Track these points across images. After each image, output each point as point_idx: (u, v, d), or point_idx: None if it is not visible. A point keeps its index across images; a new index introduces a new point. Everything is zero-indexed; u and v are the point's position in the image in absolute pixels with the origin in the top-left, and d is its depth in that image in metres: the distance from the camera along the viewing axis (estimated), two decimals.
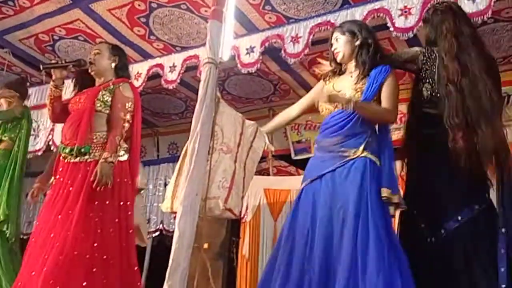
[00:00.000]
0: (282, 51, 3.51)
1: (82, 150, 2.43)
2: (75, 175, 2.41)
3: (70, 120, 2.58)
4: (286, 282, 1.98)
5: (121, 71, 2.76)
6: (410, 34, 3.00)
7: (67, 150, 2.47)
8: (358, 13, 3.20)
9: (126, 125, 2.50)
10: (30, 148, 4.12)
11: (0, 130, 3.39)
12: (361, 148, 2.11)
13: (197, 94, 4.96)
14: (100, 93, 2.57)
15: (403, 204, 2.12)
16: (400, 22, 3.01)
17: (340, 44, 2.31)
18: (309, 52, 3.54)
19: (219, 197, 1.85)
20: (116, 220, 2.34)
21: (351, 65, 2.31)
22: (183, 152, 2.02)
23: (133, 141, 2.58)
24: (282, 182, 4.99)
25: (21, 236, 3.59)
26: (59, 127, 4.30)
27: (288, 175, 5.76)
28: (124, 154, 2.53)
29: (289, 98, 5.36)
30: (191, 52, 3.97)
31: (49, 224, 2.29)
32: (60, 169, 2.49)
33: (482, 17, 2.78)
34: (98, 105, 2.53)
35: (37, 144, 4.39)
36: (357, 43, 2.27)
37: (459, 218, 1.97)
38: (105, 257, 2.23)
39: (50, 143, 4.38)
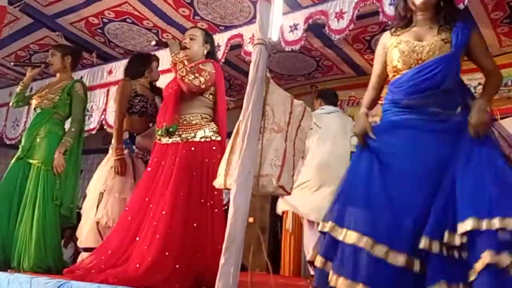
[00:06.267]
0: (326, 28, 3.49)
1: (170, 129, 2.54)
2: (167, 155, 2.54)
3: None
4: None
5: (210, 57, 2.81)
6: (461, 6, 2.89)
7: (159, 132, 2.61)
8: None
9: (201, 79, 2.54)
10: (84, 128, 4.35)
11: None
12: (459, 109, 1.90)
13: (240, 72, 5.14)
14: None
15: None
16: None
17: None
18: (353, 27, 3.50)
19: (272, 174, 1.92)
20: (202, 200, 2.43)
21: (426, 16, 2.03)
22: (234, 131, 2.09)
23: (221, 122, 2.65)
24: None
25: (78, 210, 3.80)
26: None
27: None
28: (213, 135, 2.59)
29: (332, 74, 5.34)
30: (234, 31, 4.02)
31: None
32: (156, 150, 2.63)
33: None
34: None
35: (91, 123, 4.62)
36: None
37: None
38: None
39: (103, 122, 4.60)
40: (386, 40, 2.14)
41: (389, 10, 3.17)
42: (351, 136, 3.56)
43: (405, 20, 2.10)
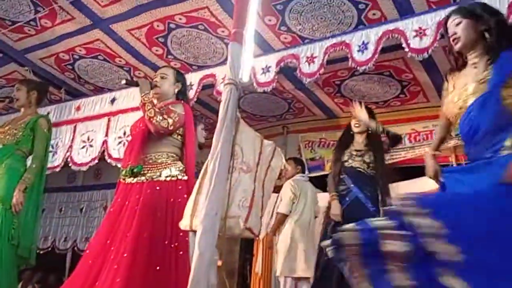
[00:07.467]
0: (297, 71, 3.56)
1: (135, 170, 2.47)
2: (130, 195, 2.45)
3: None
4: None
5: (181, 96, 2.78)
6: (425, 55, 3.02)
7: (123, 172, 2.53)
8: (373, 33, 3.25)
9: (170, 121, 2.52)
10: (48, 165, 4.20)
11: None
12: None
13: (212, 111, 5.16)
14: None
15: None
16: (415, 43, 3.05)
17: (461, 29, 1.88)
18: (324, 72, 3.59)
19: (239, 216, 1.87)
20: (166, 242, 2.34)
21: (474, 54, 1.89)
22: (202, 171, 2.04)
23: (188, 162, 2.59)
24: None
25: (38, 251, 3.61)
26: (77, 144, 4.41)
27: None
28: (180, 174, 2.52)
29: (303, 116, 5.42)
30: (207, 71, 4.04)
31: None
32: (120, 190, 2.54)
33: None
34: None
35: (55, 160, 4.47)
36: (482, 28, 1.85)
37: None
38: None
39: (68, 160, 4.46)
40: (447, 84, 2.00)
41: (358, 56, 3.27)
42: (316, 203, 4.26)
43: (458, 61, 1.95)
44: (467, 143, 1.81)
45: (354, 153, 3.26)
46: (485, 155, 1.70)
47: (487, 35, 1.84)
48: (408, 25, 3.11)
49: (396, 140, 3.26)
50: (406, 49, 3.06)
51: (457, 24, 1.90)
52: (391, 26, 3.19)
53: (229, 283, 4.51)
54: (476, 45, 1.87)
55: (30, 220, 3.16)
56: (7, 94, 4.73)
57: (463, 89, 1.83)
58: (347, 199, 3.15)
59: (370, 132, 3.28)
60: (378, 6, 3.41)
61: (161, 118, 2.48)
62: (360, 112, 3.22)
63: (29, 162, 3.26)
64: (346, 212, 3.10)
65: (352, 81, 4.55)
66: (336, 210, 3.14)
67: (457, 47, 1.90)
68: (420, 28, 3.05)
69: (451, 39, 1.92)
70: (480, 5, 1.97)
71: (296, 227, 4.07)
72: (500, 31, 1.83)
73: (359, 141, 3.32)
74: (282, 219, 4.11)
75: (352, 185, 3.17)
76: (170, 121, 2.51)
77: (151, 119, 2.47)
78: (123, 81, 2.68)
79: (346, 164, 3.24)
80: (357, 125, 3.32)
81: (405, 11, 3.34)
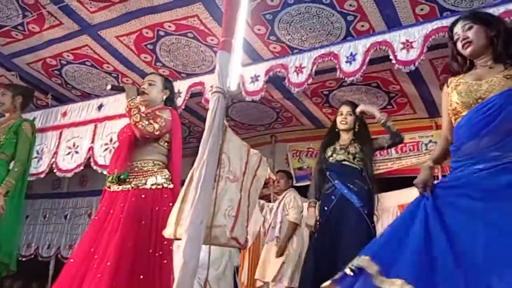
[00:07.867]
0: (286, 81, 3.58)
1: (122, 176, 2.44)
2: (115, 203, 2.42)
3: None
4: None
5: (169, 103, 2.76)
6: (412, 67, 3.07)
7: (109, 179, 2.49)
8: (361, 45, 3.29)
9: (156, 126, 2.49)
10: (33, 171, 4.14)
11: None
12: None
13: (200, 119, 5.14)
14: None
15: None
16: (402, 55, 3.09)
17: (472, 33, 1.88)
18: (312, 82, 3.62)
19: (225, 225, 1.85)
20: (150, 250, 2.31)
21: (486, 59, 1.89)
22: (188, 179, 2.02)
23: (174, 170, 2.57)
24: None
25: (20, 258, 3.55)
26: (62, 150, 4.35)
27: None
28: (165, 182, 2.50)
29: (291, 125, 5.44)
30: (196, 79, 4.04)
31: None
32: (105, 198, 2.50)
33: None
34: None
35: (40, 166, 4.40)
36: (492, 34, 1.87)
37: None
38: None
39: (53, 166, 4.40)
40: (447, 88, 1.98)
41: (346, 67, 3.30)
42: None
43: (465, 66, 1.96)
44: (469, 137, 1.76)
45: (338, 147, 3.04)
46: (490, 154, 1.67)
47: (495, 41, 1.86)
48: (396, 38, 3.15)
49: (397, 139, 2.96)
50: (394, 61, 3.11)
51: (469, 29, 1.90)
52: (379, 38, 3.24)
53: None
54: (485, 51, 1.89)
55: (12, 225, 3.11)
56: None
57: (485, 81, 1.80)
58: (333, 197, 2.91)
59: (356, 130, 3.08)
60: (366, 18, 3.45)
61: (147, 122, 2.46)
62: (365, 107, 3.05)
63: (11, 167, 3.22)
64: (333, 212, 2.90)
65: (340, 91, 4.59)
66: (310, 220, 3.00)
67: (468, 51, 1.89)
68: (407, 40, 3.10)
69: (461, 43, 1.91)
70: (485, 13, 2.00)
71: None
72: (509, 38, 1.87)
73: (345, 138, 3.09)
74: (295, 228, 4.17)
75: (336, 181, 2.93)
76: (156, 126, 2.49)
77: (137, 124, 2.45)
78: (108, 86, 2.65)
79: (330, 159, 3.02)
80: (343, 122, 3.08)
81: (393, 24, 3.38)
